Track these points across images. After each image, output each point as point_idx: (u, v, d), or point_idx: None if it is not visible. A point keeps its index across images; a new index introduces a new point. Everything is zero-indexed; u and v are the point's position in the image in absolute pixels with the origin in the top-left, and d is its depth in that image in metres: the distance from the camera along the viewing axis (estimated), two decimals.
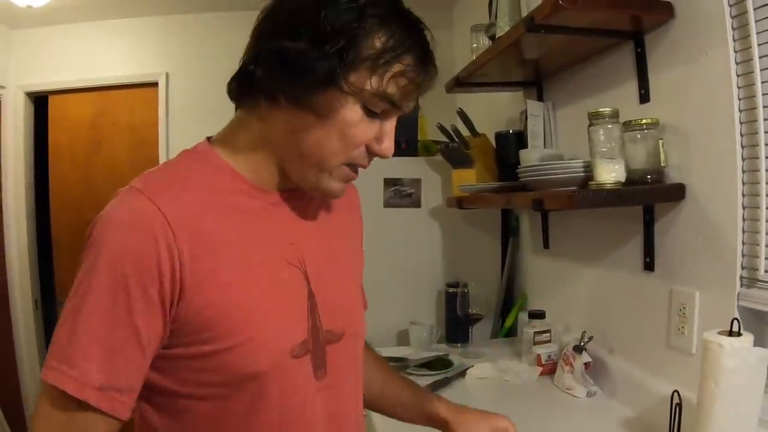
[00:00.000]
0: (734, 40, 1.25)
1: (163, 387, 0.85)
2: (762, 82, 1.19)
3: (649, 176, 1.44)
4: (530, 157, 1.88)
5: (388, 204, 2.47)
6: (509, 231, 2.58)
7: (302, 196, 0.97)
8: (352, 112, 0.83)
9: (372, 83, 0.82)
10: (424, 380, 1.88)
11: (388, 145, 0.90)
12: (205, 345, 0.82)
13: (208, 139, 0.96)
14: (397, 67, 0.82)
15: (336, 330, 0.96)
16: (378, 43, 0.81)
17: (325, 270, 0.97)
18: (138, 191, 0.81)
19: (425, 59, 0.86)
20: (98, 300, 0.76)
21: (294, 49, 0.80)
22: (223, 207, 0.87)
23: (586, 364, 1.73)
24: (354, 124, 0.84)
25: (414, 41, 0.84)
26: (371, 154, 0.90)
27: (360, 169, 0.94)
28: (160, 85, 3.58)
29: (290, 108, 0.84)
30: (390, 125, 0.89)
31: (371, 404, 1.26)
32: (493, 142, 2.20)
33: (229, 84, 0.91)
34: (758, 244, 1.23)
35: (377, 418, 1.65)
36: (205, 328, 0.82)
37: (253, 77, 0.85)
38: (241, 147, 0.92)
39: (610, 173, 1.43)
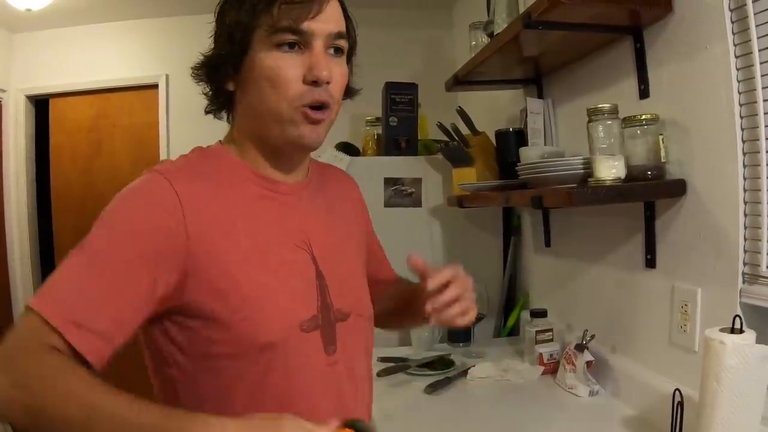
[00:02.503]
0: (733, 34, 1.23)
1: (180, 359, 0.92)
2: (762, 76, 1.17)
3: (649, 172, 1.43)
4: (530, 154, 1.86)
5: (388, 203, 2.46)
6: (511, 230, 2.56)
7: (308, 187, 1.07)
8: (263, 58, 0.93)
9: (266, 27, 0.91)
10: (426, 380, 1.87)
11: (322, 71, 0.93)
12: (218, 316, 0.89)
13: (220, 142, 1.07)
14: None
15: (344, 309, 1.03)
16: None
17: (332, 254, 1.05)
18: (156, 171, 0.92)
19: None
20: (102, 249, 0.85)
21: (211, 56, 0.98)
22: (233, 194, 0.96)
23: (588, 363, 1.71)
24: (274, 66, 0.92)
25: None
26: (314, 85, 0.94)
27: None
28: (160, 87, 3.60)
29: (236, 91, 0.99)
30: (312, 53, 0.93)
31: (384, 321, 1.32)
32: (494, 140, 2.19)
33: (205, 110, 1.07)
34: (760, 240, 1.21)
35: (377, 419, 1.65)
36: (217, 300, 0.89)
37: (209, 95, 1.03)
38: (238, 142, 1.02)
39: (609, 170, 1.42)
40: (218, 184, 0.96)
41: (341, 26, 0.97)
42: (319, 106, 0.95)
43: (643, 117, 1.42)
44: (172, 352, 0.92)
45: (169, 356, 0.93)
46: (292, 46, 0.92)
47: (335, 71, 0.95)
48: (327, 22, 0.93)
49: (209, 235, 0.90)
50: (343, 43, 0.98)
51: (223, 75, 0.97)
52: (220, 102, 1.03)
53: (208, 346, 0.91)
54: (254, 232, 0.95)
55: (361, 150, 2.70)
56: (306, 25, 0.91)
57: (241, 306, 0.90)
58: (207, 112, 1.05)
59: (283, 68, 0.92)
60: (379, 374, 1.91)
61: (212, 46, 0.99)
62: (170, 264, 0.87)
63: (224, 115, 1.06)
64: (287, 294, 0.95)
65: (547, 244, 2.23)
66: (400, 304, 1.28)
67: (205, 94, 1.03)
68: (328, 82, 0.94)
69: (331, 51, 0.96)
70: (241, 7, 0.93)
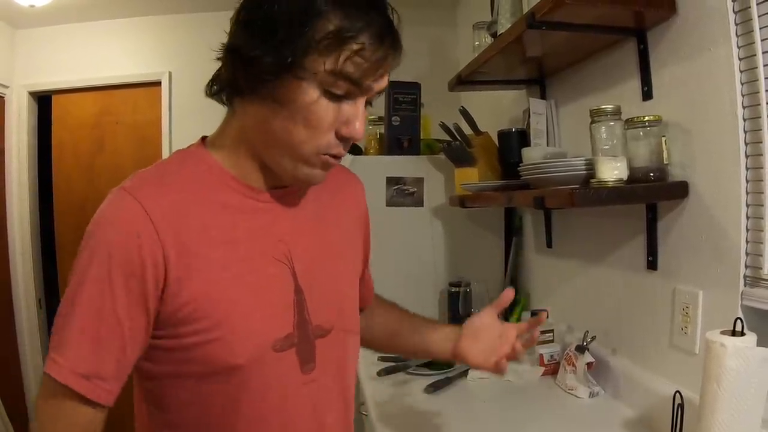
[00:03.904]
0: (737, 36, 1.23)
1: (152, 374, 0.90)
2: (766, 78, 1.17)
3: (651, 174, 1.42)
4: (533, 155, 1.86)
5: (390, 203, 2.45)
6: (512, 230, 2.56)
7: (294, 193, 1.00)
8: (310, 96, 0.84)
9: (327, 65, 0.82)
10: (426, 380, 1.87)
11: (358, 127, 0.88)
12: (189, 337, 0.86)
13: (203, 139, 1.00)
14: (353, 46, 0.82)
15: (325, 325, 0.98)
16: (330, 26, 0.81)
17: (316, 266, 0.99)
18: (125, 190, 0.86)
19: (383, 37, 0.85)
20: (87, 293, 0.82)
21: (247, 43, 0.83)
22: (211, 204, 0.91)
23: (589, 364, 1.71)
24: (315, 108, 0.85)
25: (370, 20, 0.83)
26: (343, 139, 0.89)
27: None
28: (163, 84, 3.60)
29: (255, 99, 0.87)
30: (356, 107, 0.88)
31: (385, 350, 1.38)
32: (496, 141, 2.19)
33: (207, 85, 0.95)
34: (762, 243, 1.21)
35: (376, 419, 1.65)
36: (189, 320, 0.86)
37: (221, 75, 0.91)
38: (227, 145, 0.95)
39: (612, 171, 1.41)
40: (196, 192, 0.90)
41: (386, 83, 0.91)
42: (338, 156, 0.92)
43: (646, 118, 1.42)
44: (144, 367, 0.90)
45: (142, 369, 0.91)
46: (340, 96, 0.86)
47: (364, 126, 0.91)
48: (383, 82, 0.89)
49: (186, 253, 0.85)
50: (377, 98, 0.92)
51: (250, 77, 0.85)
52: (228, 89, 0.92)
53: (175, 365, 0.88)
54: (232, 247, 0.90)
55: (363, 149, 2.70)
56: (367, 84, 0.86)
57: (212, 328, 0.86)
58: (209, 95, 0.96)
59: (323, 114, 0.85)
60: (379, 374, 1.92)
61: (241, 31, 0.86)
62: (157, 291, 0.84)
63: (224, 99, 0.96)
64: (261, 313, 0.91)
65: (549, 244, 2.22)
66: (406, 331, 1.30)
67: (218, 75, 0.93)
68: None
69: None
70: (304, 28, 0.81)
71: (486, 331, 1.21)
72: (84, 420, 0.84)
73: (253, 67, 0.83)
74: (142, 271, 0.83)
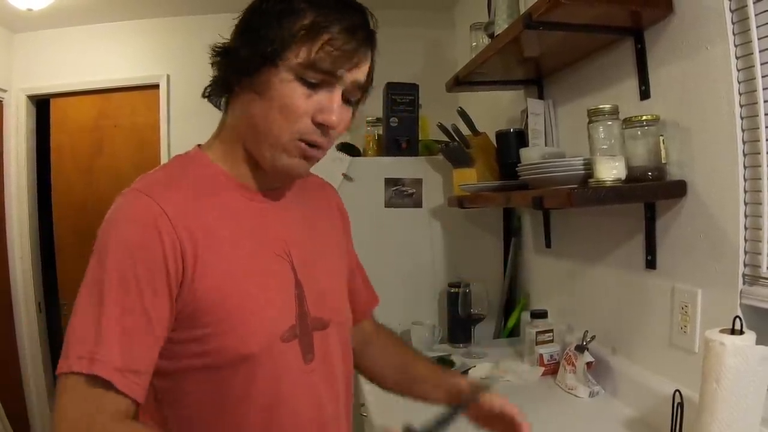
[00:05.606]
0: (734, 34, 1.23)
1: (163, 371, 0.91)
2: (762, 76, 1.17)
3: (649, 173, 1.43)
4: (531, 155, 1.86)
5: (389, 204, 2.45)
6: (511, 230, 2.56)
7: (285, 195, 1.06)
8: (285, 83, 0.91)
9: (301, 54, 0.89)
10: None
11: (333, 116, 0.93)
12: (203, 329, 0.90)
13: (199, 146, 1.05)
14: (324, 37, 0.89)
15: (323, 317, 1.03)
16: (306, 21, 0.89)
17: (311, 262, 1.05)
18: (138, 191, 0.91)
19: (355, 30, 0.92)
20: (111, 289, 0.84)
21: (233, 41, 0.95)
22: (216, 204, 0.96)
23: (589, 364, 1.71)
24: (291, 96, 0.91)
25: (341, 16, 0.91)
26: (320, 127, 0.94)
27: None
28: (161, 87, 3.58)
29: (240, 93, 0.95)
30: (332, 96, 0.93)
31: (393, 388, 1.31)
32: (494, 141, 2.19)
33: (205, 89, 1.02)
34: (760, 241, 1.21)
35: (376, 419, 1.65)
36: (204, 313, 0.90)
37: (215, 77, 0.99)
38: (223, 147, 1.02)
39: (610, 170, 1.42)
40: (201, 193, 0.95)
41: (364, 79, 0.97)
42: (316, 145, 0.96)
43: (644, 118, 1.42)
44: (159, 365, 0.90)
45: (157, 368, 0.91)
46: (315, 84, 0.91)
47: (343, 118, 0.96)
48: (357, 74, 0.95)
49: (198, 249, 0.90)
50: (358, 95, 0.98)
51: (234, 71, 0.94)
52: (219, 89, 1.00)
53: (190, 359, 0.91)
54: (238, 242, 0.95)
55: (361, 150, 2.70)
56: (340, 73, 0.92)
57: (225, 319, 0.90)
58: (205, 96, 1.02)
59: (298, 101, 0.91)
60: None
61: (234, 34, 0.96)
62: (177, 283, 0.88)
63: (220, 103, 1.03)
64: (270, 304, 0.96)
65: (548, 245, 2.22)
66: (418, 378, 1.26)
67: (212, 79, 1.00)
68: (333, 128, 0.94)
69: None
70: (281, 23, 0.90)
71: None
72: (124, 415, 0.84)
73: (236, 61, 0.92)
74: (165, 264, 0.86)
